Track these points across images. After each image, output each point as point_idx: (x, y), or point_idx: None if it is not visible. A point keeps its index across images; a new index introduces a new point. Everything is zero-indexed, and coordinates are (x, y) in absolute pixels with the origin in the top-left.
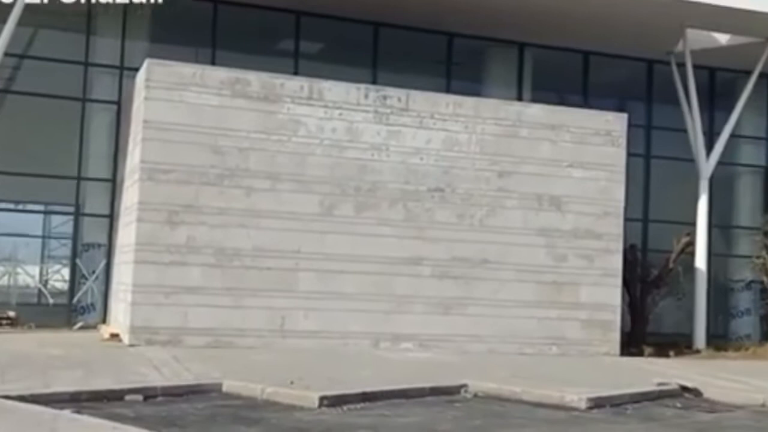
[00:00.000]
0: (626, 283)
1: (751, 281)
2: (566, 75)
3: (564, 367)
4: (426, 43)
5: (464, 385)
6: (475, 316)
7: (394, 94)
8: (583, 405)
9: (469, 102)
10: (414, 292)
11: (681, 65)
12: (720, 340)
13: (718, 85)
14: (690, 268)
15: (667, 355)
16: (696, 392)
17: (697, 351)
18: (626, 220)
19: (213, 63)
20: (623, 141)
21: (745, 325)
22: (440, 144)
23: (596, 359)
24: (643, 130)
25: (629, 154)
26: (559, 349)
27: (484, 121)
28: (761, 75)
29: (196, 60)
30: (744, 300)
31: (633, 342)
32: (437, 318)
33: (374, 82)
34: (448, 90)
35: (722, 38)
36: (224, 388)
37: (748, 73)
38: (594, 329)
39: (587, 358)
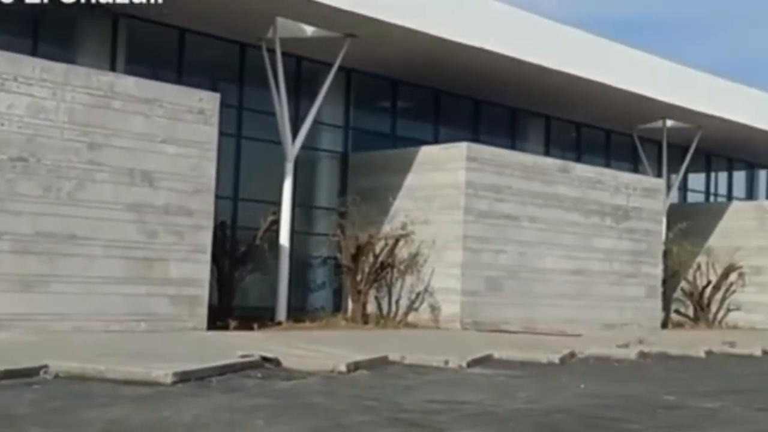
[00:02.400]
0: (215, 259)
1: (327, 257)
2: (161, 51)
3: (152, 343)
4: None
5: (44, 366)
6: (61, 294)
7: None
8: (168, 380)
9: (58, 68)
10: None
11: (273, 51)
12: (300, 312)
13: (305, 74)
14: (275, 245)
15: (251, 328)
16: (276, 362)
17: (279, 323)
18: (218, 197)
19: None
20: (216, 120)
21: (321, 297)
22: (24, 110)
23: (184, 334)
24: (236, 111)
25: (222, 134)
26: (148, 326)
27: (74, 89)
28: (342, 68)
29: None
30: (321, 274)
31: (221, 316)
32: (16, 296)
33: None
34: (34, 54)
35: (309, 29)
36: None
37: (332, 65)
38: (182, 305)
39: (175, 333)
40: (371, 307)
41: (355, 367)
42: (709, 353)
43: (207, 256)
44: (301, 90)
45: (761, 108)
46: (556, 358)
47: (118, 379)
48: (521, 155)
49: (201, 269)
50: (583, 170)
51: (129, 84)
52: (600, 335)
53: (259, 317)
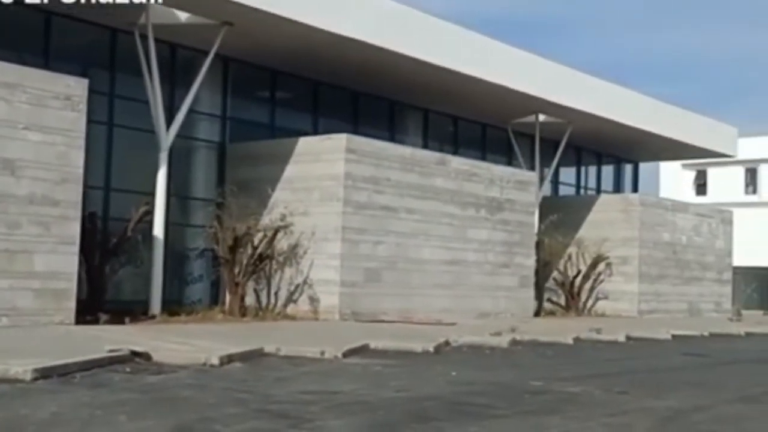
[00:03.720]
0: (85, 251)
1: (204, 249)
2: (27, 35)
3: (14, 338)
4: None
5: None
6: None
7: None
8: (28, 376)
9: None
10: None
11: (146, 38)
12: (176, 305)
13: (180, 62)
14: (149, 237)
15: (122, 322)
16: (146, 356)
17: (153, 317)
18: (88, 187)
19: None
20: (84, 107)
21: (198, 290)
22: None
23: (50, 329)
24: (107, 99)
25: (92, 122)
26: (10, 320)
27: None
28: (220, 56)
29: None
30: (198, 267)
31: (90, 310)
32: None
33: None
34: None
35: (183, 16)
36: None
37: (209, 53)
38: (48, 298)
39: (40, 328)
40: (250, 300)
41: (229, 359)
42: (577, 340)
43: (75, 248)
44: (177, 78)
45: (629, 105)
46: (430, 347)
47: None
48: (400, 148)
49: (68, 261)
50: (459, 163)
51: None
52: (475, 324)
53: (131, 311)
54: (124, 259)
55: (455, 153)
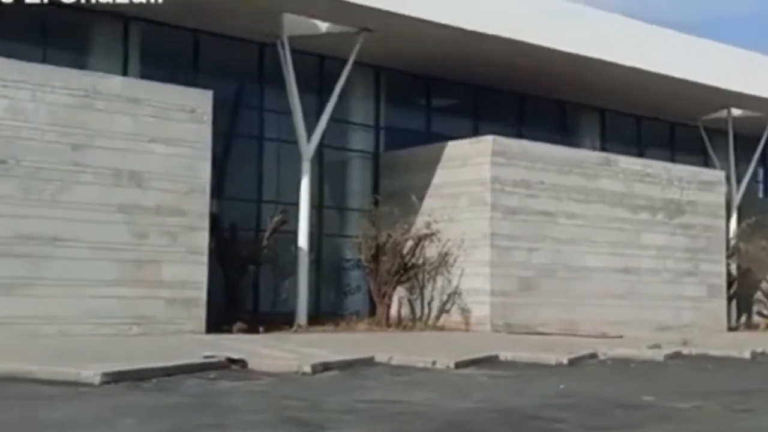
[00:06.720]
0: (223, 261)
1: (359, 260)
2: (177, 53)
3: (130, 345)
4: (19, 10)
5: None
6: (45, 297)
7: None
8: (97, 380)
9: (37, 69)
10: None
11: (294, 51)
12: (333, 316)
13: (327, 72)
14: (294, 247)
15: (256, 332)
16: (243, 363)
17: (297, 327)
18: (230, 199)
19: None
20: (209, 118)
21: (356, 301)
22: (2, 112)
23: (176, 337)
24: (257, 112)
25: (241, 135)
26: (141, 328)
27: (54, 90)
28: (371, 66)
29: None
30: (355, 278)
31: (228, 319)
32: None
33: None
34: (45, 62)
35: (323, 26)
36: None
37: (356, 63)
38: (178, 307)
39: (167, 337)
40: (406, 311)
41: (324, 368)
42: (758, 354)
43: (204, 258)
44: (324, 88)
45: None
46: (565, 359)
47: (48, 379)
48: (555, 148)
49: (198, 271)
50: (628, 163)
51: (113, 83)
52: (650, 337)
53: (273, 321)
54: (267, 270)
55: (639, 155)
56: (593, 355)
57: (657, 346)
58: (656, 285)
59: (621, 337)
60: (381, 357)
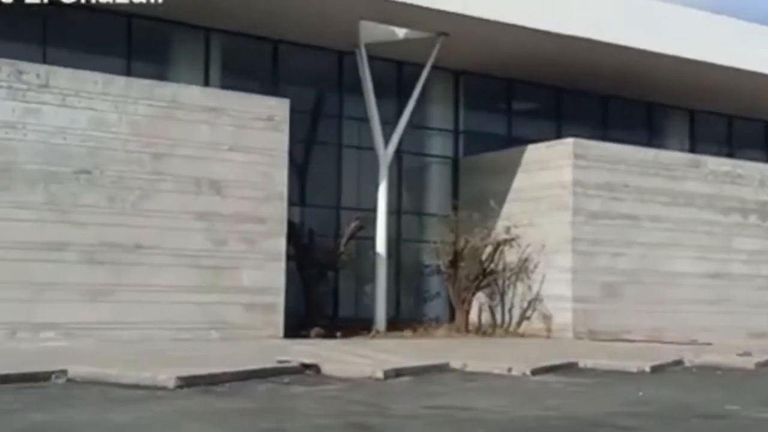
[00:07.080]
0: (301, 267)
1: (438, 265)
2: (257, 62)
3: (209, 350)
4: (103, 23)
5: (62, 371)
6: (128, 303)
7: (32, 69)
8: (172, 384)
9: (119, 81)
10: (58, 278)
11: (372, 57)
12: (413, 322)
13: (406, 78)
14: (372, 253)
15: (334, 337)
16: (316, 368)
17: (375, 332)
18: (309, 206)
19: None
20: (286, 126)
21: (436, 307)
22: (86, 123)
23: (254, 342)
24: (336, 119)
25: (318, 143)
26: (221, 334)
27: (135, 101)
28: (446, 69)
29: None
30: (435, 284)
31: (306, 325)
32: (85, 305)
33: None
34: (129, 73)
35: (400, 32)
36: None
37: (436, 68)
38: (257, 313)
39: (245, 341)
40: (486, 317)
41: (396, 374)
42: None
43: (281, 264)
44: (403, 93)
45: None
46: (647, 367)
47: (127, 383)
48: (638, 150)
49: (276, 277)
50: (717, 164)
51: (192, 93)
52: (743, 344)
53: (352, 327)
54: (345, 275)
55: (730, 155)
56: (678, 362)
57: (747, 354)
58: (749, 290)
59: (710, 344)
60: (455, 363)
